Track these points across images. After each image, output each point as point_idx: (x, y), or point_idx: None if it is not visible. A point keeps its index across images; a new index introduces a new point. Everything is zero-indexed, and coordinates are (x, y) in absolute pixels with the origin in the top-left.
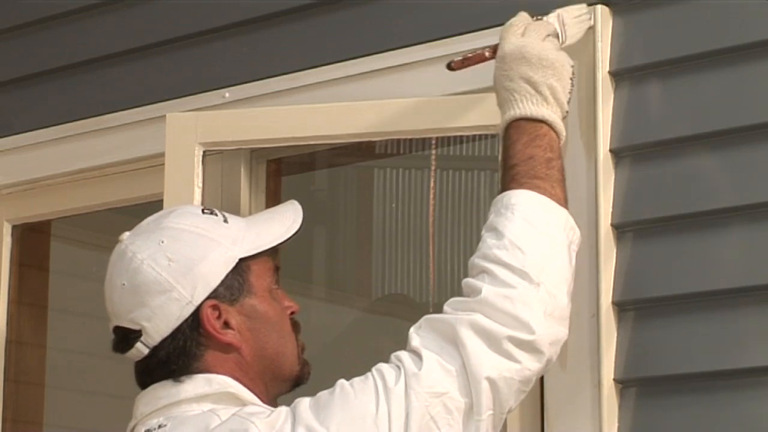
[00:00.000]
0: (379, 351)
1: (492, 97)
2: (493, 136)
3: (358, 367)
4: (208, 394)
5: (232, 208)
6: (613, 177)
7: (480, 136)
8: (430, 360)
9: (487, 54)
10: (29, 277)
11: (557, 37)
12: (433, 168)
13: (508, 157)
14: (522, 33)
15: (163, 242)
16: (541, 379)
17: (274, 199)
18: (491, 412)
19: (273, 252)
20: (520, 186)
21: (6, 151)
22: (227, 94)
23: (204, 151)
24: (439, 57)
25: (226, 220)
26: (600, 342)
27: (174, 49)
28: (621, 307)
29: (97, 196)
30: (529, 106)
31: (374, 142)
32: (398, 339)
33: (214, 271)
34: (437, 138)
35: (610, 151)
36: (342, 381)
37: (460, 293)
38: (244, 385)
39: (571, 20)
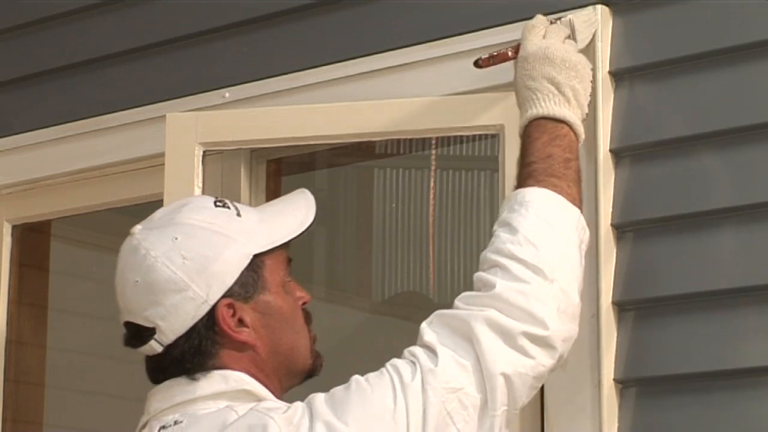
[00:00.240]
0: (383, 351)
1: (492, 98)
2: (493, 136)
3: (358, 367)
4: (224, 391)
5: None
6: (613, 177)
7: (480, 136)
8: (446, 356)
9: (510, 53)
10: (29, 277)
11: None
12: (433, 168)
13: (526, 154)
14: (543, 35)
15: (177, 239)
16: None
17: (273, 199)
18: (506, 407)
19: (286, 244)
20: (537, 183)
21: (6, 151)
22: (227, 94)
23: (204, 151)
24: (439, 57)
25: (239, 214)
26: (600, 342)
27: (174, 49)
28: (621, 307)
29: (97, 196)
30: (551, 105)
31: (374, 142)
32: (403, 339)
33: (229, 268)
34: (437, 138)
35: (610, 151)
36: (357, 376)
37: (459, 293)
38: (260, 381)
39: (581, 25)
